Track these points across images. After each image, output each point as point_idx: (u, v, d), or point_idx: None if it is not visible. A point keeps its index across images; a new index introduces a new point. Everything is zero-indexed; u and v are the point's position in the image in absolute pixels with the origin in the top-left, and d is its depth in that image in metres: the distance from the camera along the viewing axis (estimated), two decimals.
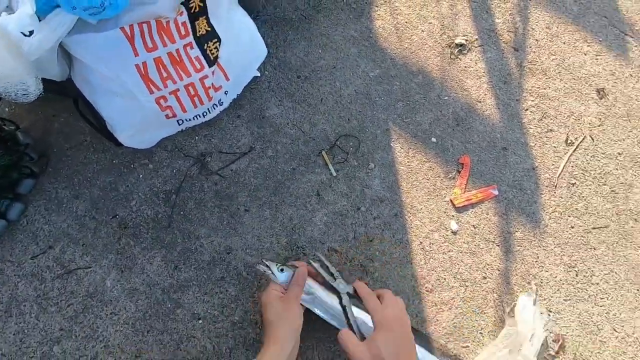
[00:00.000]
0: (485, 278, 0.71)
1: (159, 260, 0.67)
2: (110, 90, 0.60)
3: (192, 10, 0.60)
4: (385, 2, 0.89)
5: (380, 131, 0.79)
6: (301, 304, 0.58)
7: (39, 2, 0.49)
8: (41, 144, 0.71)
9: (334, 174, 0.75)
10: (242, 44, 0.70)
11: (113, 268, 0.66)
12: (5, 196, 0.63)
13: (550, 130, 0.83)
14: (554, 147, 0.81)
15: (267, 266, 0.59)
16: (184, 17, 0.59)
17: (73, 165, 0.71)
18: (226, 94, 0.72)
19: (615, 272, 0.74)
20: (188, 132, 0.74)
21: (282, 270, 0.59)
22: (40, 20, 0.50)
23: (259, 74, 0.78)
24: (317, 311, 0.59)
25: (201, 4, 0.60)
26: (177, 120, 0.68)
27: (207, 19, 0.62)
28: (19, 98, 0.51)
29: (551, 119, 0.83)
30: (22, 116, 0.73)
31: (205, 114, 0.71)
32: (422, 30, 0.87)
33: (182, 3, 0.58)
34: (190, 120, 0.70)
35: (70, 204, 0.68)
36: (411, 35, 0.87)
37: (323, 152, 0.76)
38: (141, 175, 0.71)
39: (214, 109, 0.72)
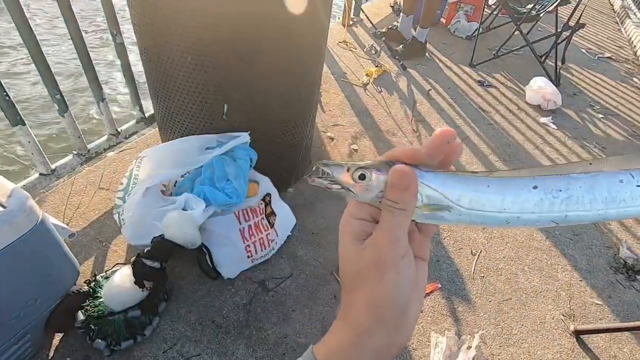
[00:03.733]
0: (444, 335, 1.14)
1: (243, 346, 1.05)
2: (222, 244, 1.15)
3: (265, 202, 1.23)
4: None
5: None
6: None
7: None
8: (168, 282, 1.17)
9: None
10: (284, 217, 1.32)
11: (214, 354, 1.03)
12: (154, 313, 1.05)
13: (461, 248, 1.42)
14: (465, 257, 1.39)
15: (326, 174, 0.30)
16: (262, 205, 1.22)
17: (187, 293, 1.16)
18: (276, 243, 1.28)
19: (524, 325, 1.20)
20: (255, 266, 1.24)
21: (362, 176, 0.28)
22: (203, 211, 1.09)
23: (291, 233, 1.36)
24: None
25: (269, 199, 1.24)
26: (252, 259, 1.21)
27: (271, 206, 1.25)
28: (191, 247, 1.05)
29: (460, 242, 1.44)
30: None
31: (265, 255, 1.24)
32: None
33: (262, 199, 1.21)
34: (258, 259, 1.22)
35: (186, 316, 1.10)
36: None
37: (333, 272, 1.27)
38: (228, 296, 1.17)
39: (270, 252, 1.26)
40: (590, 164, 0.30)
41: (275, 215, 1.26)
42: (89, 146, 1.43)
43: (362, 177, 0.28)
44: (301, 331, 1.10)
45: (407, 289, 0.28)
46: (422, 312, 1.20)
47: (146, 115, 1.61)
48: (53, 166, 1.33)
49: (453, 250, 1.41)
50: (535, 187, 0.29)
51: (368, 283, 0.28)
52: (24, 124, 1.18)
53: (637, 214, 0.30)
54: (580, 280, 1.39)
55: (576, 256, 1.47)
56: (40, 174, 1.30)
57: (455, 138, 0.29)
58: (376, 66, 2.58)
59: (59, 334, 1.01)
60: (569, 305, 1.30)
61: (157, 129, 1.71)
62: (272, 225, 1.25)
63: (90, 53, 1.32)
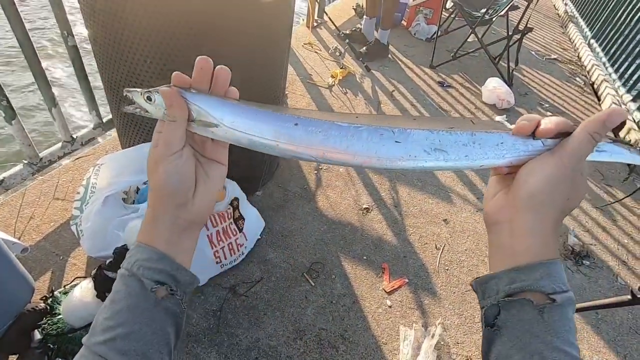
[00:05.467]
0: (411, 328, 1.18)
1: (214, 354, 1.04)
2: None
3: (233, 206, 1.22)
4: (322, 192, 1.63)
5: (334, 257, 1.36)
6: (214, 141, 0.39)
7: None
8: None
9: (312, 284, 1.26)
10: (252, 221, 1.31)
11: None
12: None
13: (426, 243, 1.48)
14: (430, 251, 1.45)
15: (132, 101, 0.38)
16: (230, 210, 1.20)
17: None
18: (245, 248, 1.27)
19: None
20: (225, 272, 1.23)
21: (149, 98, 0.36)
22: None
23: (260, 237, 1.36)
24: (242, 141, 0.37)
25: (236, 203, 1.23)
26: (221, 265, 1.19)
27: (239, 210, 1.24)
28: None
29: (425, 237, 1.50)
30: None
31: (235, 260, 1.23)
32: (345, 203, 1.59)
33: (229, 204, 1.20)
34: (227, 264, 1.21)
35: None
36: (339, 206, 1.57)
37: (304, 273, 1.28)
38: (197, 303, 1.14)
39: (239, 257, 1.25)
40: (357, 117, 0.36)
41: (243, 220, 1.26)
42: (41, 154, 1.35)
43: (150, 98, 0.36)
44: (273, 334, 1.11)
45: (178, 176, 0.36)
46: (390, 307, 1.24)
47: (104, 120, 1.54)
48: (0, 177, 1.24)
49: (419, 246, 1.46)
50: (296, 124, 0.35)
51: (151, 176, 0.37)
52: None
53: (390, 166, 0.35)
54: None
55: None
56: None
57: (210, 66, 0.36)
58: (341, 68, 2.62)
59: (13, 355, 0.95)
60: None
61: (116, 134, 1.64)
62: (240, 230, 1.24)
63: (41, 55, 1.25)
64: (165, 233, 0.37)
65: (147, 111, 0.37)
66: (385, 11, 2.74)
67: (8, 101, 1.17)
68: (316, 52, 2.81)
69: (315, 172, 1.72)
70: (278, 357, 1.06)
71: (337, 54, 2.78)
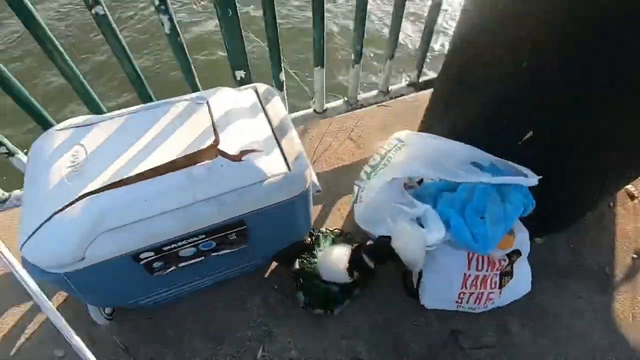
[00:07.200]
0: None
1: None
2: (439, 275, 1.01)
3: (510, 260, 0.98)
4: (633, 287, 1.12)
5: None
6: None
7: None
8: None
9: None
10: (519, 281, 1.04)
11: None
12: (348, 297, 1.07)
13: None
14: None
15: None
16: (505, 261, 0.97)
17: (380, 298, 1.12)
18: (493, 304, 1.05)
19: None
20: (453, 312, 1.08)
21: None
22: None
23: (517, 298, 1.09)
24: None
25: (515, 258, 0.98)
26: (458, 305, 1.04)
27: (512, 265, 0.99)
28: (410, 268, 0.95)
29: None
30: None
31: (474, 309, 1.05)
32: None
33: (507, 255, 0.97)
34: (464, 308, 1.04)
35: (372, 315, 1.08)
36: None
37: None
38: (417, 324, 1.07)
39: (479, 309, 1.05)
40: None
41: (511, 277, 1.01)
42: (359, 97, 1.44)
43: None
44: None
45: None
46: None
47: (420, 80, 1.47)
48: (325, 107, 1.41)
49: None
50: None
51: None
52: (323, 67, 1.24)
53: None
54: None
55: None
56: (315, 111, 1.41)
57: None
58: None
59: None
60: None
61: (419, 97, 1.57)
62: (501, 286, 1.01)
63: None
64: None
65: None
66: None
67: (362, 47, 1.23)
68: None
69: (635, 256, 1.18)
70: None
71: None
